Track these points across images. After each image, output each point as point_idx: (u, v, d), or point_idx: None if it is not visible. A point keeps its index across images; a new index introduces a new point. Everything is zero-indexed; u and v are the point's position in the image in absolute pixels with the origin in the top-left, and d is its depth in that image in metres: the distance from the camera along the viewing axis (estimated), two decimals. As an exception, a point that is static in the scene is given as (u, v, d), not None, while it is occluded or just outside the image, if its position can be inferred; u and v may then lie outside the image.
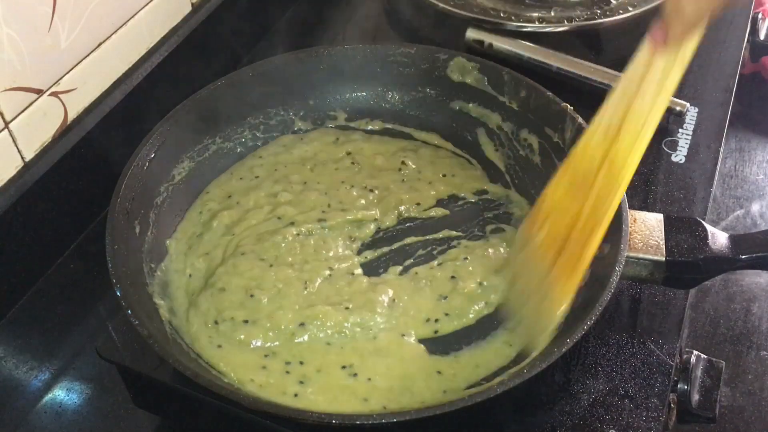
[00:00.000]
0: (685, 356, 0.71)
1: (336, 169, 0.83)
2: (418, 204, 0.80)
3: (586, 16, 1.00)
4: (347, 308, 0.69)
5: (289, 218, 0.77)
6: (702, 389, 0.69)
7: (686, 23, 0.52)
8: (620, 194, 0.62)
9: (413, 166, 0.83)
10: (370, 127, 0.89)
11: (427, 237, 0.77)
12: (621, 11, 0.99)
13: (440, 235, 0.77)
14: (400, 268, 0.74)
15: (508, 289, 0.70)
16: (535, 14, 1.01)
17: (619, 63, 0.96)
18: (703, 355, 0.71)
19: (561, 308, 0.64)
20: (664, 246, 0.68)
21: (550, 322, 0.64)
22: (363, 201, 0.80)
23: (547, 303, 0.64)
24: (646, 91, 0.57)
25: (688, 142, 0.91)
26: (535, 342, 0.64)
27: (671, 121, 0.93)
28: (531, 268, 0.66)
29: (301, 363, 0.67)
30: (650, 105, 0.58)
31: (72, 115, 0.83)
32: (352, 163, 0.84)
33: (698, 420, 0.69)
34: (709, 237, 0.68)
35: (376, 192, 0.80)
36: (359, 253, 0.76)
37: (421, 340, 0.69)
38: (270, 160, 0.84)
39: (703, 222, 0.69)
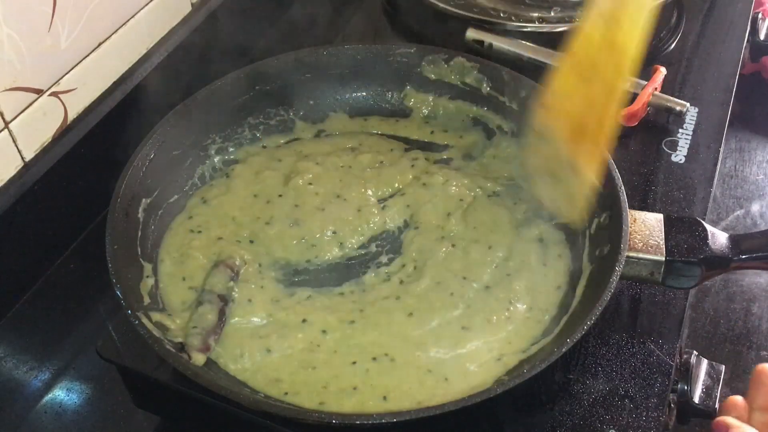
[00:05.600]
0: (685, 356, 0.71)
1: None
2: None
3: (586, 16, 1.00)
4: None
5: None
6: (703, 386, 0.69)
7: None
8: (627, 76, 0.65)
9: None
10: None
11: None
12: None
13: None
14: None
15: (536, 181, 0.74)
16: (535, 14, 1.01)
17: (619, 63, 0.97)
18: (704, 360, 0.71)
19: (592, 185, 0.69)
20: (664, 246, 0.68)
21: (584, 200, 0.69)
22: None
23: (580, 183, 0.68)
24: None
25: (688, 142, 0.91)
26: (578, 219, 0.71)
27: (671, 121, 0.93)
28: (554, 155, 0.69)
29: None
30: None
31: (72, 115, 0.83)
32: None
33: (699, 415, 0.69)
34: (709, 237, 0.68)
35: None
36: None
37: None
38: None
39: (703, 222, 0.69)
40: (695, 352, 0.71)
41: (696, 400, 0.68)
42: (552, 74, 0.67)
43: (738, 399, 0.67)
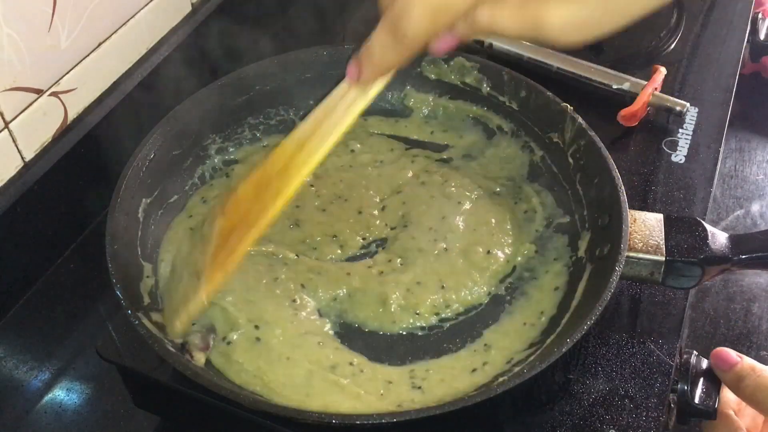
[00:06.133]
0: (685, 356, 0.71)
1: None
2: None
3: (586, 16, 1.00)
4: None
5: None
6: (703, 386, 0.69)
7: (375, 69, 0.55)
8: (279, 205, 0.61)
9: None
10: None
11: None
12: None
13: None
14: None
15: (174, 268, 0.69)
16: (535, 14, 1.01)
17: (619, 63, 0.97)
18: (704, 359, 0.71)
19: (200, 298, 0.62)
20: (664, 246, 0.68)
21: (185, 309, 0.63)
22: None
23: (195, 288, 0.63)
24: (334, 114, 0.60)
25: (688, 142, 0.91)
26: (171, 326, 0.64)
27: (671, 121, 0.93)
28: (199, 251, 0.65)
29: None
30: (332, 127, 0.60)
31: (72, 115, 0.83)
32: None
33: (699, 415, 0.69)
34: (709, 237, 0.68)
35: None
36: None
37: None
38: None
39: (703, 222, 0.69)
40: (695, 352, 0.71)
41: (696, 400, 0.68)
42: (240, 181, 0.64)
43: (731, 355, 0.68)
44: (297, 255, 0.74)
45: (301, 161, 0.61)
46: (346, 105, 0.59)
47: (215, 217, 0.65)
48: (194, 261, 0.65)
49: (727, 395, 0.69)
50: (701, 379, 0.69)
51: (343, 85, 0.60)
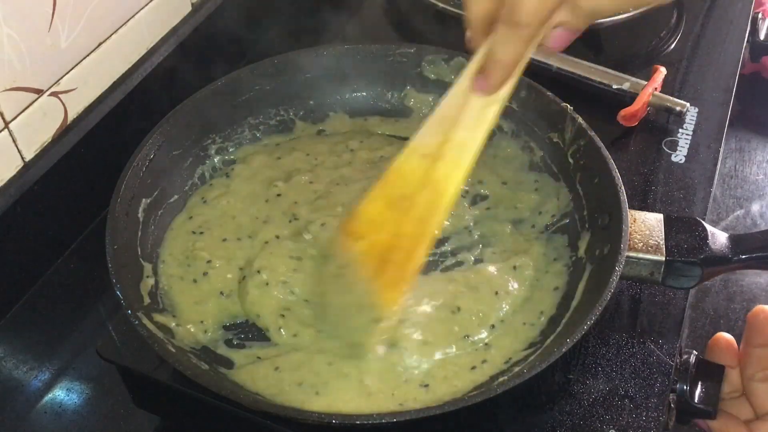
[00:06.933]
0: (685, 356, 0.71)
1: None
2: None
3: (586, 16, 1.00)
4: None
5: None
6: (703, 386, 0.69)
7: (502, 67, 0.55)
8: (442, 215, 0.63)
9: None
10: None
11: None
12: (621, 11, 0.99)
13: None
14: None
15: (323, 301, 0.70)
16: (535, 14, 1.01)
17: (619, 63, 0.97)
18: (705, 360, 0.71)
19: (384, 317, 0.65)
20: (664, 246, 0.68)
21: (370, 334, 0.66)
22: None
23: (368, 313, 0.65)
24: (465, 124, 0.60)
25: (688, 142, 0.91)
26: (359, 351, 0.66)
27: (671, 121, 0.93)
28: (350, 279, 0.66)
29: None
30: (470, 137, 0.60)
31: (72, 115, 0.83)
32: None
33: (699, 415, 0.69)
34: (709, 237, 0.68)
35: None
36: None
37: None
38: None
39: (703, 222, 0.69)
40: (695, 352, 0.71)
41: (696, 400, 0.68)
42: (362, 200, 0.65)
43: (726, 336, 0.68)
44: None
45: (446, 173, 0.61)
46: (475, 113, 0.59)
47: (340, 248, 0.66)
48: (340, 297, 0.67)
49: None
50: (701, 379, 0.69)
51: (458, 92, 0.60)
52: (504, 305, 0.70)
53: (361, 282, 0.65)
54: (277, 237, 0.75)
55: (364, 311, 0.66)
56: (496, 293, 0.71)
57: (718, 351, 0.70)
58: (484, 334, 0.68)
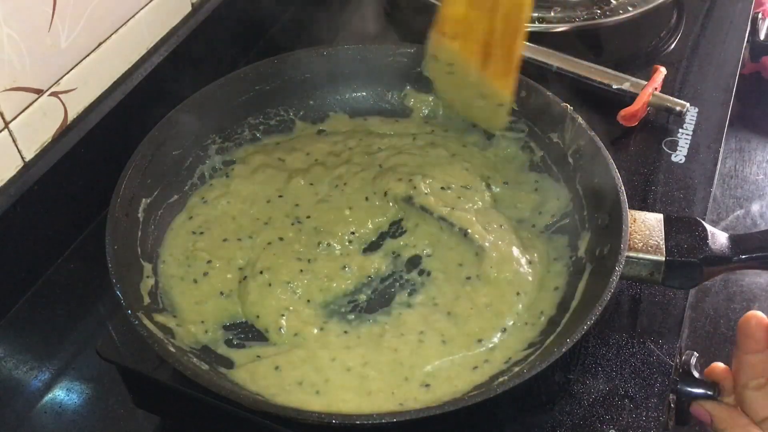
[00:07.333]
0: (685, 356, 0.71)
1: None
2: None
3: (586, 16, 1.00)
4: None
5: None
6: (703, 386, 0.69)
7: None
8: (527, 10, 0.73)
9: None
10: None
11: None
12: (621, 11, 0.99)
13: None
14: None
15: (445, 99, 0.83)
16: (535, 14, 1.01)
17: (620, 63, 0.97)
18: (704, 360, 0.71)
19: (506, 100, 0.78)
20: (664, 246, 0.68)
21: (501, 114, 0.80)
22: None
23: (492, 99, 0.78)
24: None
25: (688, 142, 0.91)
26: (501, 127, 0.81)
27: (671, 121, 0.93)
28: (461, 75, 0.78)
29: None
30: None
31: (72, 115, 0.83)
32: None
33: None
34: (709, 237, 0.68)
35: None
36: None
37: None
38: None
39: (703, 222, 0.69)
40: (695, 352, 0.71)
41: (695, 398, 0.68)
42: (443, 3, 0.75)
43: (720, 365, 0.68)
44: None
45: None
46: None
47: (441, 48, 0.77)
48: (460, 92, 0.80)
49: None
50: (701, 379, 0.69)
51: None
52: (520, 305, 0.70)
53: (472, 75, 0.76)
54: (281, 239, 0.75)
55: (487, 99, 0.78)
56: (518, 294, 0.71)
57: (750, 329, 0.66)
58: (496, 338, 0.68)
